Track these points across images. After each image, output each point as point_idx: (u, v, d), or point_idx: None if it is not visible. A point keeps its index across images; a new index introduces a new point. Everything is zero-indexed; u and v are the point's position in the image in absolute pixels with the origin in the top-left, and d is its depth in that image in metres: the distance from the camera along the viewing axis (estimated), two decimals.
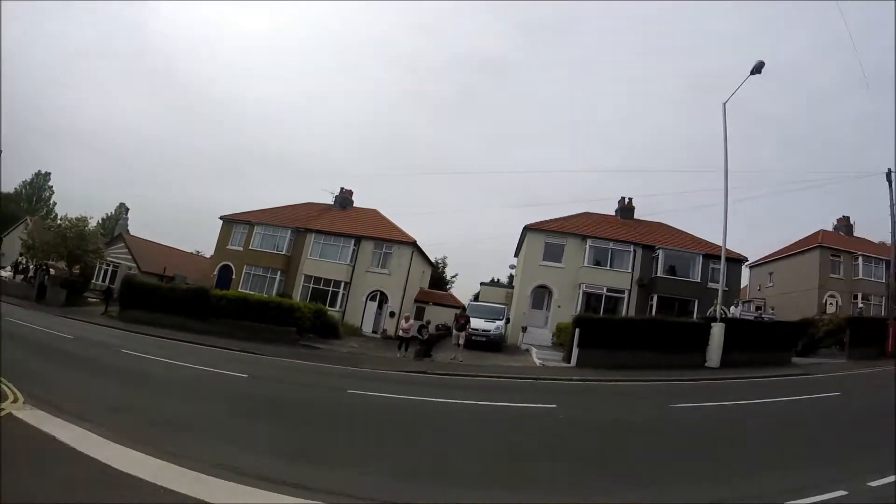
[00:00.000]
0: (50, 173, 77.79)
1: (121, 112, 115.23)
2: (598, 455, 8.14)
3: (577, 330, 21.66)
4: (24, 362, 12.11)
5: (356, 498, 5.50)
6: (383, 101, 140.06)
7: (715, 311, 24.33)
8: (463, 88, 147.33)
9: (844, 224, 46.76)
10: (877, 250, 42.60)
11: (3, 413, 7.47)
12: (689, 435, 10.00)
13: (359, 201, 45.22)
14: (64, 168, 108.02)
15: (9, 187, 71.46)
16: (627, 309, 33.32)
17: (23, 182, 76.25)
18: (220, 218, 42.13)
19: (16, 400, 8.27)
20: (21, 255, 42.36)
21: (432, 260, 50.43)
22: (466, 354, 22.80)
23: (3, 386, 8.87)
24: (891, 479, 6.18)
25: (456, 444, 8.36)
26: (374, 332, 36.75)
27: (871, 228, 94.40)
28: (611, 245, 34.91)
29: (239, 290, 35.56)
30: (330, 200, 44.72)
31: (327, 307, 33.48)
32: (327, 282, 37.76)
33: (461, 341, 23.64)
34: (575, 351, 21.30)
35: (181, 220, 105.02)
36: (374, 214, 42.61)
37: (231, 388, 12.64)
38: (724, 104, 24.08)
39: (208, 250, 49.98)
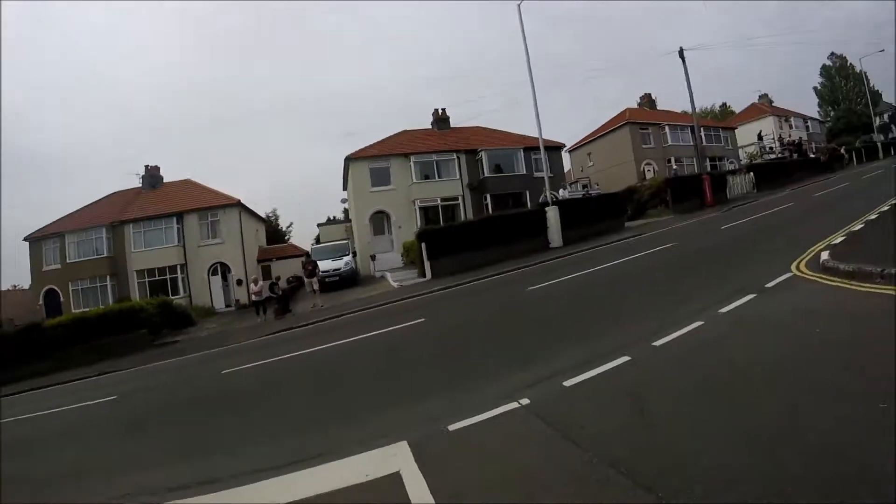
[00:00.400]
0: None
1: None
2: (469, 348, 8.88)
3: (422, 244, 22.69)
4: None
5: (261, 471, 5.33)
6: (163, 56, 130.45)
7: (546, 196, 26.21)
8: (252, 21, 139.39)
9: (647, 100, 53.95)
10: (681, 119, 49.32)
11: None
12: (545, 311, 10.97)
13: (169, 175, 42.87)
14: None
15: None
16: (465, 213, 35.23)
17: None
18: (25, 240, 37.69)
19: None
20: None
21: (263, 215, 49.16)
22: (325, 298, 23.25)
23: None
24: (670, 337, 6.83)
25: (349, 382, 8.58)
26: (227, 306, 35.98)
27: (672, 100, 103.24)
28: (434, 157, 36.04)
29: (73, 311, 32.85)
30: (137, 183, 41.75)
31: (171, 297, 32.03)
32: (162, 270, 35.96)
33: (315, 287, 23.88)
34: (427, 264, 22.37)
35: None
36: (188, 185, 40.69)
37: (100, 417, 11.50)
38: (519, 6, 26.08)
39: (24, 281, 45.68)
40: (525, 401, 5.48)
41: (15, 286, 54.14)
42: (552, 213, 24.31)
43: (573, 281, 14.18)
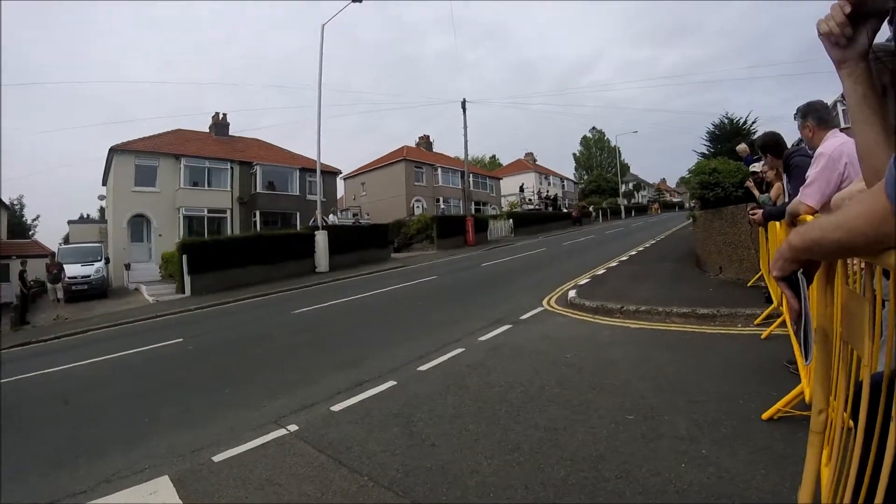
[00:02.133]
0: None
1: None
2: (230, 373, 8.34)
3: (184, 257, 21.42)
4: None
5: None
6: None
7: (316, 220, 26.55)
8: None
9: (425, 141, 57.74)
10: (453, 163, 53.77)
11: None
12: (312, 335, 10.88)
13: None
14: None
15: None
16: (232, 228, 33.72)
17: None
18: None
19: None
20: None
21: (6, 201, 43.38)
22: (70, 309, 21.10)
23: None
24: (434, 363, 7.30)
25: (98, 409, 7.47)
26: None
27: (449, 144, 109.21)
28: (207, 163, 34.04)
29: None
30: None
31: None
32: None
33: (60, 295, 21.74)
34: (186, 279, 21.26)
35: None
36: None
37: None
38: (324, 26, 26.09)
39: None
40: (293, 427, 5.37)
41: None
42: (321, 238, 24.70)
43: (341, 306, 14.51)
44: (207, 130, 39.76)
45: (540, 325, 9.06)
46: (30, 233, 51.74)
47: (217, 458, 4.81)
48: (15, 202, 51.87)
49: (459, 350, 7.77)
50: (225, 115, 40.33)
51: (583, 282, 13.07)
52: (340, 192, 49.91)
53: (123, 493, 4.41)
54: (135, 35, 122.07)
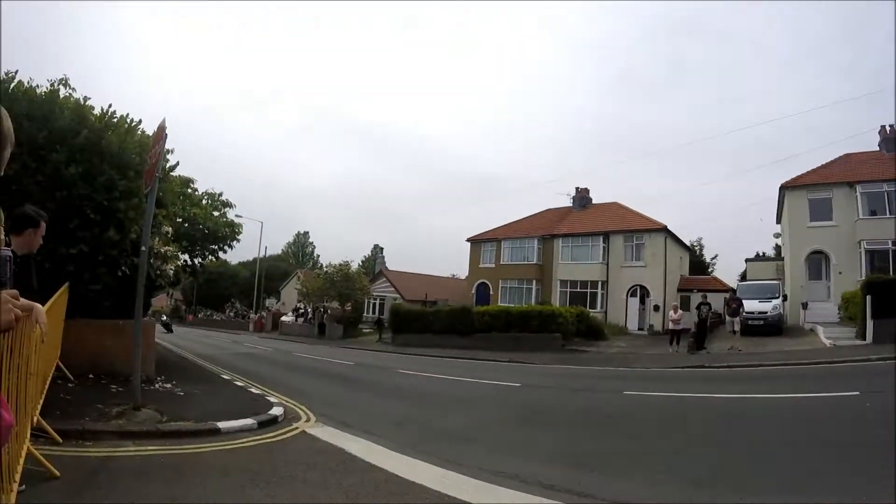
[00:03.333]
0: (308, 232, 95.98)
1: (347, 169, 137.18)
2: None
3: (868, 297, 18.19)
4: (313, 387, 13.56)
5: None
6: (581, 92, 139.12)
7: None
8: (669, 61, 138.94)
9: None
10: None
11: (297, 430, 8.16)
12: None
13: (596, 197, 44.66)
14: (315, 224, 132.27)
15: (276, 249, 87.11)
16: None
17: (287, 243, 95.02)
18: (468, 240, 44.69)
19: (308, 419, 9.04)
20: (298, 301, 50.42)
21: (687, 244, 47.34)
22: (744, 342, 21.01)
23: (297, 408, 9.83)
24: None
25: (748, 445, 7.21)
26: (640, 328, 35.50)
27: None
28: (885, 187, 27.81)
29: (499, 304, 36.41)
30: (568, 203, 44.46)
31: (588, 309, 33.09)
32: (583, 284, 37.53)
33: (736, 327, 21.84)
34: (869, 324, 17.97)
35: (430, 251, 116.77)
36: (616, 208, 41.46)
37: (505, 398, 12.64)
38: None
39: (461, 272, 52.56)
40: None
41: (454, 275, 64.93)
42: None
43: None
44: (878, 148, 33.38)
45: None
46: (709, 270, 54.77)
47: None
48: (695, 244, 55.70)
49: None
50: (893, 126, 32.79)
51: None
52: None
53: None
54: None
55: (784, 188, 30.99)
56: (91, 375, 9.66)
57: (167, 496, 4.80)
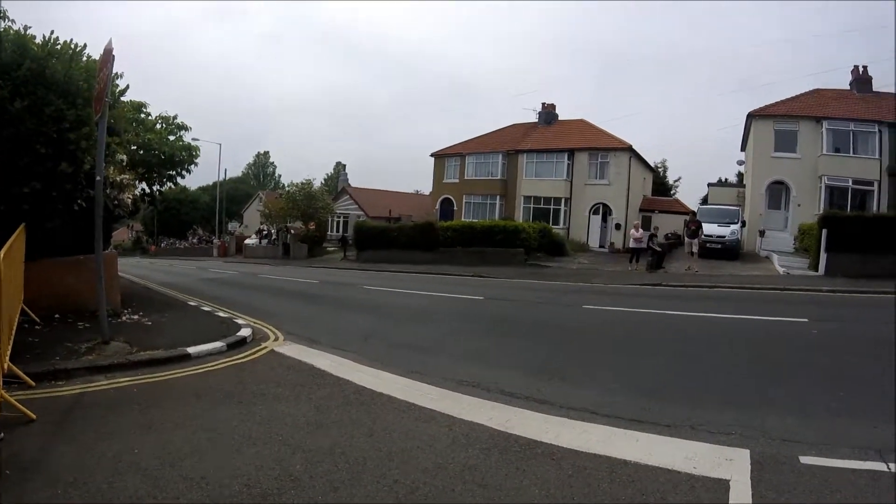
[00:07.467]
0: (268, 151, 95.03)
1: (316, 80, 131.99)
2: (860, 378, 6.61)
3: (823, 231, 18.90)
4: (280, 307, 13.81)
5: (603, 415, 5.36)
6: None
7: None
8: None
9: None
10: None
11: (266, 350, 8.39)
12: None
13: (562, 113, 43.94)
14: (279, 144, 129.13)
15: (237, 171, 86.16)
16: (878, 204, 27.55)
17: (248, 164, 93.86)
18: (431, 155, 44.21)
19: (276, 339, 9.30)
20: (261, 223, 49.75)
21: (651, 165, 47.71)
22: (701, 264, 21.63)
23: (265, 328, 10.03)
24: None
25: (700, 361, 7.67)
26: (601, 246, 36.09)
27: None
28: (851, 126, 28.73)
29: (462, 219, 36.75)
30: (534, 118, 43.74)
31: (551, 225, 33.45)
32: (547, 200, 37.57)
33: (694, 249, 22.37)
34: (822, 257, 18.83)
35: (394, 167, 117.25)
36: (582, 125, 41.05)
37: (469, 311, 13.05)
38: None
39: (426, 188, 52.63)
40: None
41: (417, 191, 65.94)
42: None
43: None
44: (848, 87, 33.84)
45: None
46: (671, 192, 55.13)
47: (804, 460, 4.28)
48: (659, 165, 55.71)
49: None
50: (866, 67, 33.35)
51: None
52: None
53: (702, 445, 4.59)
54: None
55: (752, 116, 31.29)
56: (57, 315, 9.60)
57: (143, 424, 5.00)
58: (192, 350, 7.71)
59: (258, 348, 8.41)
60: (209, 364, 7.35)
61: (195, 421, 5.12)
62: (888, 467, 4.11)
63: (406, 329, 10.82)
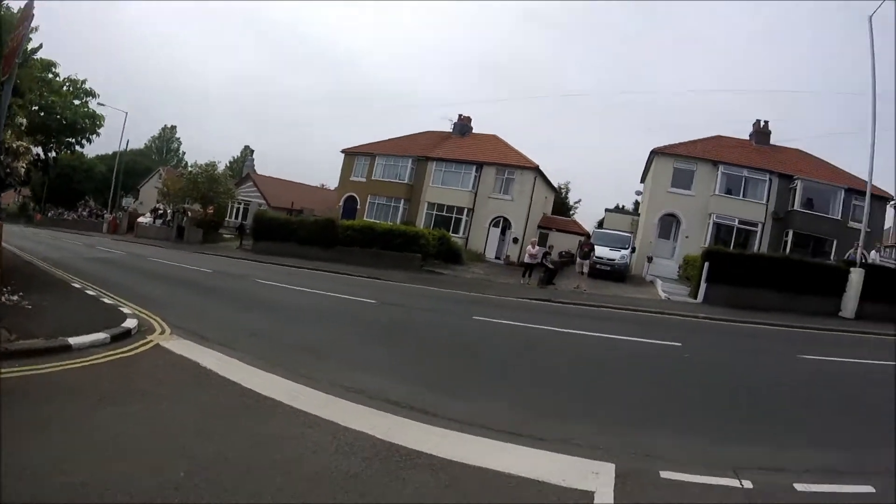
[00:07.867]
0: (175, 126, 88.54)
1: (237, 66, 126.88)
2: (722, 401, 7.50)
3: (706, 264, 20.53)
4: (168, 296, 13.41)
5: (482, 427, 5.62)
6: (499, 26, 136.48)
7: (855, 254, 21.73)
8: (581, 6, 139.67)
9: None
10: None
11: (151, 344, 8.17)
12: (810, 390, 8.76)
13: (478, 128, 44.59)
14: (189, 121, 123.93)
15: (139, 143, 79.54)
16: (760, 244, 30.82)
17: (152, 137, 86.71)
18: (342, 151, 43.80)
19: (163, 332, 9.03)
20: (158, 201, 46.62)
21: (555, 185, 49.36)
22: (589, 283, 22.68)
23: (151, 319, 9.74)
24: None
25: (581, 377, 8.32)
26: (497, 257, 37.04)
27: None
28: (745, 172, 31.96)
29: (364, 219, 36.67)
30: (449, 128, 44.19)
31: (451, 234, 34.07)
32: (450, 209, 38.22)
33: (585, 269, 23.45)
34: (702, 286, 20.41)
35: (304, 159, 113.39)
36: (494, 140, 41.92)
37: (360, 314, 13.24)
38: (871, 17, 20.45)
39: (332, 183, 52.06)
40: (748, 484, 4.68)
41: (323, 185, 64.61)
42: (856, 276, 19.56)
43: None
44: (748, 138, 37.07)
45: None
46: (570, 212, 57.23)
47: (664, 475, 4.73)
48: (562, 186, 57.85)
49: None
50: (766, 122, 36.91)
51: None
52: (889, 222, 40.08)
53: (571, 459, 4.98)
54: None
55: (655, 152, 33.91)
56: None
57: (16, 425, 4.65)
58: (73, 341, 7.34)
59: (143, 342, 8.16)
60: (91, 357, 7.08)
61: (75, 422, 4.98)
62: (741, 483, 4.62)
63: (297, 329, 10.87)
